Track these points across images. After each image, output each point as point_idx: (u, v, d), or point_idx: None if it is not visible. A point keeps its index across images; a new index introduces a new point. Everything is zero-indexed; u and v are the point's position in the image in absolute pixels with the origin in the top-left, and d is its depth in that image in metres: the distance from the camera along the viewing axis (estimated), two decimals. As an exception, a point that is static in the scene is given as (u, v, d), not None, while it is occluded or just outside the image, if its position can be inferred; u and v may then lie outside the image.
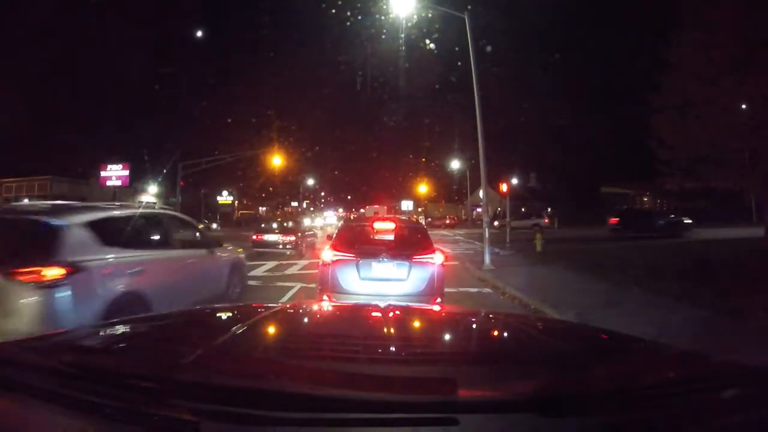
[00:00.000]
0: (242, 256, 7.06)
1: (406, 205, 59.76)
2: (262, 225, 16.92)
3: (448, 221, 49.19)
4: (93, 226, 3.71)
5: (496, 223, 37.97)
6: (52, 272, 3.20)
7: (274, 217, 34.60)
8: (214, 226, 37.15)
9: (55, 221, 3.52)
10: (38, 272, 3.17)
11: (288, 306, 2.70)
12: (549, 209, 52.74)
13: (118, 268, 3.77)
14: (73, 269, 3.31)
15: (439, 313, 2.36)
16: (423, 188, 50.29)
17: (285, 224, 16.53)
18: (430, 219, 48.74)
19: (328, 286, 5.14)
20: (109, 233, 3.81)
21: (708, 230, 24.07)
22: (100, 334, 1.52)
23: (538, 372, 1.12)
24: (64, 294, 3.21)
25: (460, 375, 1.01)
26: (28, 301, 3.12)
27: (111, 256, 3.74)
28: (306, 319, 1.96)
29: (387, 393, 0.89)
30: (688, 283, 7.06)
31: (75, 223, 3.60)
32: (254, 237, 15.36)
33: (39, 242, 3.44)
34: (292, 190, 68.42)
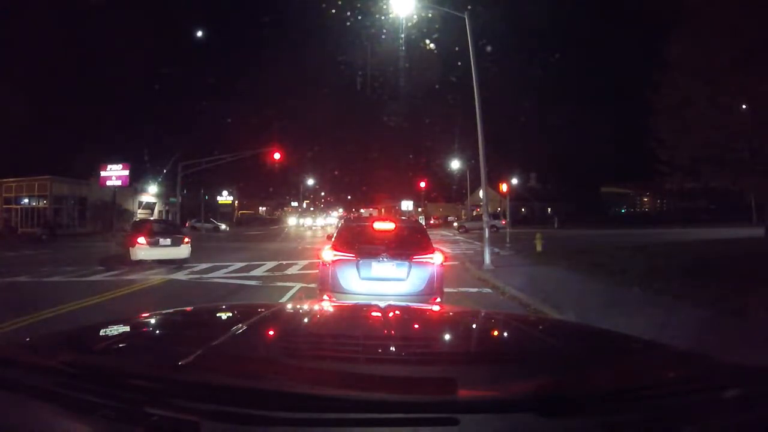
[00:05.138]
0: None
1: (406, 205, 59.89)
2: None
3: (432, 221, 49.60)
4: None
5: (455, 224, 38.35)
6: None
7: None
8: (223, 226, 37.55)
9: None
10: None
11: (288, 306, 2.69)
12: (549, 209, 52.89)
13: None
14: None
15: (439, 313, 2.36)
16: (423, 188, 50.41)
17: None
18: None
19: (328, 285, 5.14)
20: None
21: (708, 230, 24.11)
22: (100, 334, 1.51)
23: (538, 372, 1.11)
24: None
25: (460, 375, 1.00)
26: None
27: None
28: (306, 319, 1.96)
29: (387, 393, 0.89)
30: (688, 282, 7.06)
31: None
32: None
33: None
34: (292, 190, 68.70)
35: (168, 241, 11.57)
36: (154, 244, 11.34)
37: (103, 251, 15.13)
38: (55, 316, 5.99)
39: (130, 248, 11.21)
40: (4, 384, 1.05)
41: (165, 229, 12.77)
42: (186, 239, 11.98)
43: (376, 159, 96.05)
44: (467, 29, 11.40)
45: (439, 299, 5.08)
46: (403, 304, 2.70)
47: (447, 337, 1.77)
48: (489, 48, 15.85)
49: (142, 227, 12.51)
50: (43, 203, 31.49)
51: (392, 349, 1.52)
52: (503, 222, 31.42)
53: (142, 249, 11.19)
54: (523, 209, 52.68)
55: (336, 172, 73.35)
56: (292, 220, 60.88)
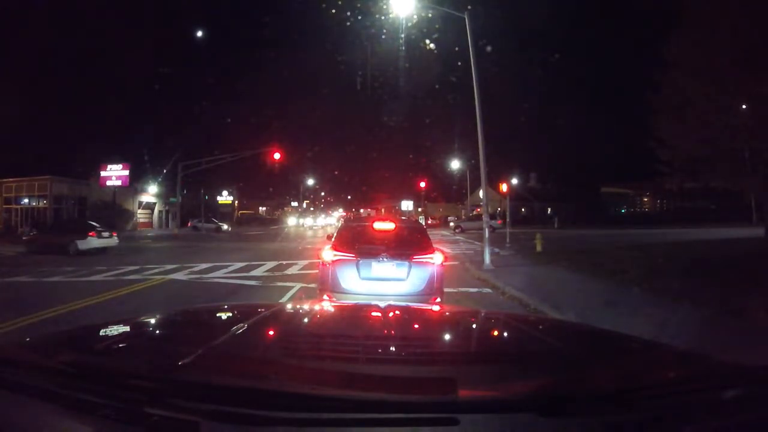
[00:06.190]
0: None
1: (406, 205, 59.93)
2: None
3: (430, 221, 49.76)
4: None
5: (452, 224, 38.65)
6: None
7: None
8: (225, 226, 37.64)
9: None
10: None
11: (288, 306, 2.69)
12: (549, 209, 52.95)
13: None
14: None
15: (439, 313, 2.35)
16: (423, 188, 50.49)
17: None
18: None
19: (328, 285, 5.13)
20: None
21: (708, 230, 24.11)
22: (100, 334, 1.51)
23: (538, 372, 1.12)
24: None
25: (460, 375, 1.01)
26: None
27: None
28: (306, 319, 1.96)
29: (387, 393, 0.89)
30: (688, 282, 7.06)
31: None
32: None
33: None
34: (292, 190, 68.84)
35: (107, 234, 16.43)
36: (99, 236, 15.88)
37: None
38: (55, 316, 5.99)
39: (78, 241, 15.04)
40: (5, 384, 1.05)
41: (89, 225, 17.27)
42: (114, 233, 17.05)
43: (376, 159, 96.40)
44: (467, 29, 11.39)
45: (439, 299, 5.08)
46: (403, 304, 2.70)
47: (447, 337, 1.77)
48: (489, 48, 15.79)
49: (74, 224, 17.72)
50: (43, 203, 31.47)
51: (392, 349, 1.52)
52: (499, 222, 31.63)
53: (94, 239, 15.55)
54: (523, 209, 52.70)
55: (336, 172, 73.55)
56: (292, 220, 61.09)
